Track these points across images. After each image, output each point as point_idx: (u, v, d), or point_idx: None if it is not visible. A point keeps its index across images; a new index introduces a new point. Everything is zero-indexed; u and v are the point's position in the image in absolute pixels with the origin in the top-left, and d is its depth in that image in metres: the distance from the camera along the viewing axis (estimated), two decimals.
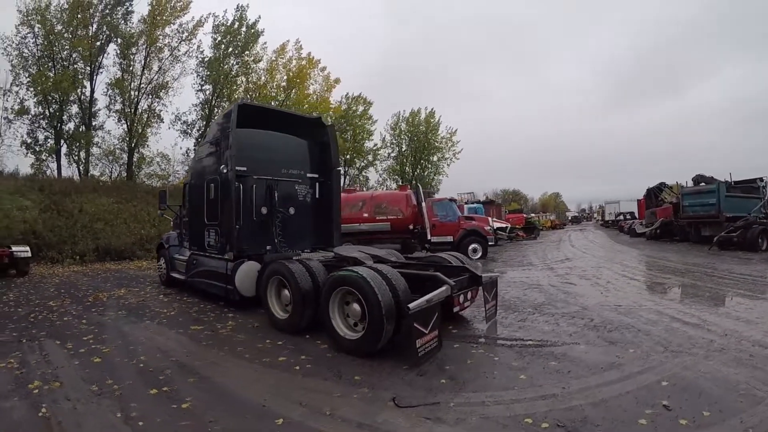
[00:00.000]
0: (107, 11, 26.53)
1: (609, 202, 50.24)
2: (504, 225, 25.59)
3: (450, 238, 15.18)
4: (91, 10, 25.79)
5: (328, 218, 8.34)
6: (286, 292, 5.58)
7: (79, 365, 4.44)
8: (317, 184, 8.42)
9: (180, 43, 29.68)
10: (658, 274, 9.82)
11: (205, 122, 32.48)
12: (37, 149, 26.09)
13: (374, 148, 45.26)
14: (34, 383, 3.94)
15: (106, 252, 16.43)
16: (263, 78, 34.25)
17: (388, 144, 46.86)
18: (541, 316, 5.88)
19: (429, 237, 15.03)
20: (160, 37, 28.54)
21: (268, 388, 3.66)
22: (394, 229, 15.31)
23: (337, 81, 37.21)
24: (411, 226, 15.28)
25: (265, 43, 33.99)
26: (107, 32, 26.61)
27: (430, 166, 47.66)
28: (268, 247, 7.43)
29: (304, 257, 6.28)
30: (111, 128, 29.72)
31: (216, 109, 32.91)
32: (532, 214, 52.93)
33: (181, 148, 38.94)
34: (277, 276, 5.77)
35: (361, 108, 43.88)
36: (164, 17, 28.18)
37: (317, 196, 8.42)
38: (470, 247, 15.08)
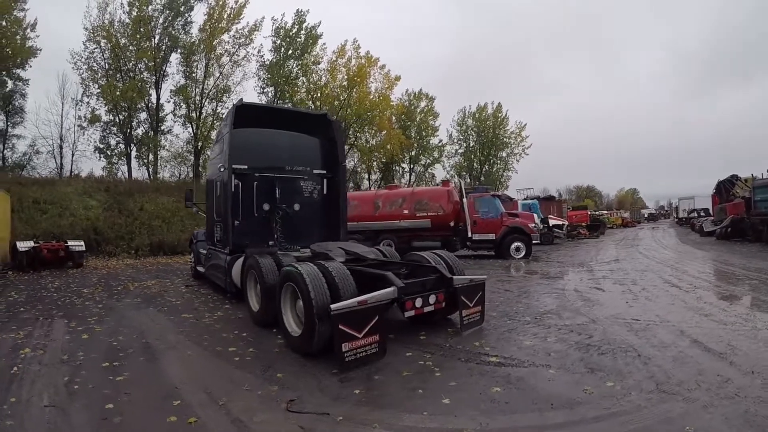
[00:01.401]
0: (168, 23, 29.88)
1: (683, 198, 46.02)
2: (561, 222, 24.71)
3: (492, 236, 15.07)
4: (153, 23, 29.24)
5: (335, 214, 8.65)
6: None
7: (68, 340, 5.34)
8: (325, 180, 8.75)
9: (238, 48, 32.52)
10: (708, 281, 8.76)
11: None
12: (109, 153, 29.86)
13: (439, 144, 46.12)
14: (25, 350, 4.88)
15: (159, 247, 18.42)
16: (324, 79, 36.49)
17: (455, 140, 47.65)
18: (535, 327, 5.47)
19: (470, 234, 15.10)
20: (219, 44, 31.42)
21: (195, 374, 4.11)
22: (434, 226, 15.52)
23: (397, 78, 38.39)
24: (452, 223, 15.41)
25: (325, 44, 36.28)
26: (168, 43, 29.95)
27: (498, 161, 48.08)
28: (270, 243, 7.96)
29: (281, 253, 6.63)
30: (178, 132, 33.03)
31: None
32: (603, 212, 51.69)
33: None
34: (252, 270, 6.29)
35: (423, 104, 44.82)
36: (220, 25, 30.96)
37: (325, 192, 8.76)
38: (513, 246, 14.83)
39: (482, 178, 46.17)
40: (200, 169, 33.11)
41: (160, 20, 29.46)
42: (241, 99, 9.18)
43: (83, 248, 13.45)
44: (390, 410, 3.21)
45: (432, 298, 4.91)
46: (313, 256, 6.30)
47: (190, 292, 8.98)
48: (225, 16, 30.87)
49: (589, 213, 39.11)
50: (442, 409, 3.22)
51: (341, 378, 3.86)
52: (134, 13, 28.11)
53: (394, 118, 41.06)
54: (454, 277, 5.24)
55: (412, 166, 45.36)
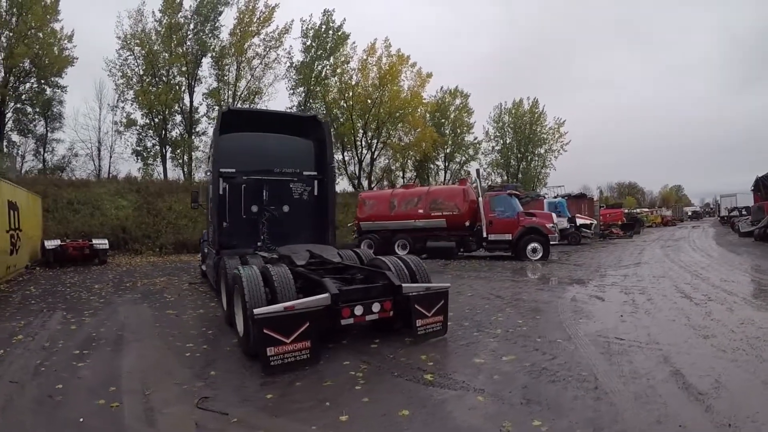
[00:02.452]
0: (198, 29, 31.97)
1: (725, 195, 43.18)
2: (589, 222, 24.22)
3: (508, 236, 15.12)
4: (184, 29, 31.37)
5: (324, 215, 8.99)
6: None
7: (58, 329, 6.21)
8: (316, 181, 9.10)
9: (268, 50, 34.42)
10: (728, 292, 7.96)
11: None
12: (145, 155, 32.13)
13: (475, 141, 46.77)
14: (18, 336, 5.78)
15: (183, 245, 19.83)
16: (355, 77, 37.88)
17: (492, 137, 48.08)
18: (500, 342, 5.26)
19: (485, 235, 15.27)
20: (249, 47, 33.33)
21: (142, 365, 4.67)
22: (449, 226, 15.84)
23: (429, 75, 39.34)
24: (467, 223, 15.66)
25: (355, 42, 37.62)
26: (197, 48, 32.03)
27: (536, 158, 48.15)
28: (258, 244, 8.56)
29: (249, 255, 6.95)
30: (210, 134, 35.00)
31: (309, 111, 36.91)
32: (643, 210, 50.08)
33: None
34: (221, 270, 6.94)
35: (458, 101, 45.58)
36: (250, 29, 32.82)
37: (316, 193, 9.10)
38: (529, 247, 14.79)
39: (519, 176, 46.46)
40: None
41: (191, 26, 31.64)
42: (228, 105, 9.81)
43: (107, 246, 14.85)
44: (284, 419, 3.39)
45: (376, 306, 4.86)
46: (278, 258, 6.76)
47: (189, 290, 9.82)
48: (255, 20, 32.78)
49: (625, 211, 38.36)
50: (333, 426, 3.23)
51: (264, 381, 4.10)
52: (165, 21, 30.40)
53: (428, 115, 41.93)
54: (405, 284, 5.17)
55: (447, 163, 46.26)
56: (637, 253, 17.02)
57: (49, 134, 30.90)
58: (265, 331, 4.15)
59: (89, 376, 4.39)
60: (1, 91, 26.95)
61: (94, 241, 14.55)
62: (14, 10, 26.62)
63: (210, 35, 32.30)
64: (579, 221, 23.25)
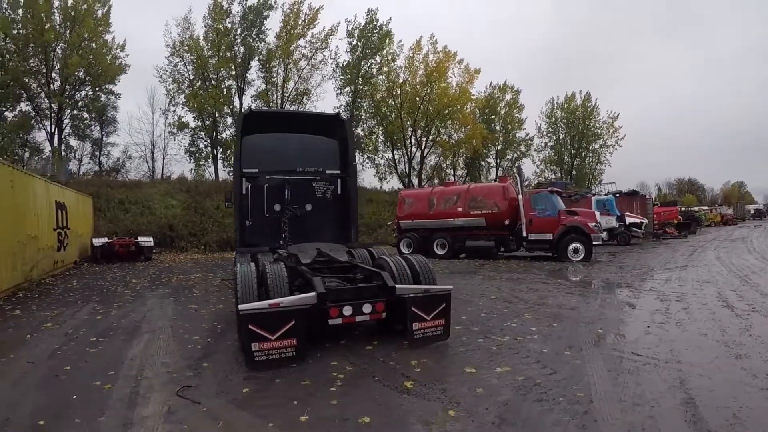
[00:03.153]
0: (246, 33, 33.70)
1: None
2: (639, 220, 23.29)
3: (549, 236, 14.72)
4: (232, 35, 33.20)
5: (346, 214, 9.12)
6: None
7: (85, 319, 6.82)
8: (339, 180, 9.24)
9: (314, 52, 35.71)
10: None
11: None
12: (197, 156, 34.11)
13: (526, 137, 46.57)
14: (48, 324, 6.45)
15: (227, 243, 20.86)
16: (402, 75, 38.59)
17: (545, 133, 47.59)
18: (503, 350, 5.02)
19: (525, 234, 14.98)
20: (295, 49, 34.75)
21: (146, 354, 5.05)
22: (489, 225, 15.69)
23: (477, 71, 39.47)
24: (507, 222, 15.43)
25: (401, 40, 38.36)
26: (245, 52, 33.82)
27: (590, 154, 47.16)
28: (281, 242, 8.89)
29: (261, 252, 7.18)
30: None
31: (357, 111, 38.03)
32: (702, 208, 47.49)
33: None
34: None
35: (508, 96, 45.48)
36: (296, 31, 34.23)
37: (339, 192, 9.22)
38: (570, 247, 14.31)
39: (573, 173, 45.96)
40: None
41: (238, 31, 33.48)
42: (250, 107, 10.13)
43: (152, 244, 15.95)
44: (248, 412, 3.52)
45: (367, 308, 4.84)
46: (287, 256, 6.97)
47: (218, 287, 10.35)
48: (300, 23, 34.15)
49: (681, 209, 36.68)
50: (289, 425, 3.29)
51: (248, 376, 4.26)
52: (212, 26, 32.41)
53: (477, 112, 42.08)
54: (400, 286, 5.11)
55: (498, 161, 46.13)
56: (687, 255, 16.23)
57: (104, 138, 34.02)
58: (250, 326, 4.30)
59: (96, 361, 4.83)
60: (58, 99, 29.92)
61: (140, 239, 15.69)
62: (68, 23, 29.66)
63: (256, 39, 34.01)
64: (629, 220, 22.45)
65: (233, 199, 9.39)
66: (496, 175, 44.50)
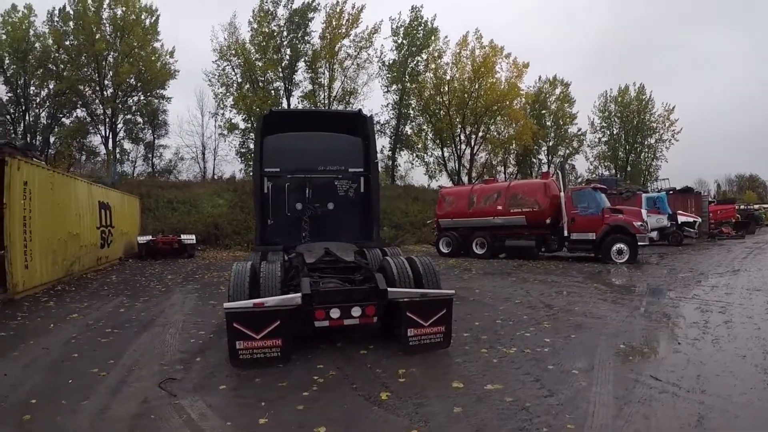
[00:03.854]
0: (292, 35, 34.82)
1: None
2: (692, 219, 21.80)
3: (592, 235, 14.05)
4: (278, 37, 34.41)
5: (368, 212, 9.13)
6: None
7: (109, 312, 7.36)
8: (362, 178, 9.22)
9: (359, 51, 36.27)
10: None
11: (396, 120, 38.30)
12: (247, 156, 35.55)
13: (578, 133, 45.52)
14: (74, 315, 7.03)
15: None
16: (449, 72, 38.56)
17: (598, 128, 46.27)
18: (504, 364, 4.68)
19: (566, 233, 14.43)
20: (340, 49, 35.43)
21: (150, 346, 5.38)
22: (530, 224, 15.24)
23: (525, 65, 38.94)
24: (548, 220, 14.89)
25: (447, 36, 38.17)
26: (291, 53, 34.97)
27: (646, 149, 45.91)
28: (308, 240, 9.06)
29: (271, 251, 7.40)
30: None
31: (405, 109, 38.45)
32: (763, 205, 44.15)
33: None
34: None
35: (558, 90, 44.72)
36: (339, 31, 34.89)
37: (362, 190, 9.20)
38: (614, 248, 13.60)
39: (628, 169, 44.79)
40: None
41: (285, 33, 34.62)
42: (270, 108, 10.32)
43: (194, 241, 16.86)
44: (213, 409, 3.65)
45: (356, 311, 4.74)
46: (295, 255, 6.94)
47: None
48: (343, 23, 34.82)
49: (739, 207, 34.23)
50: (247, 425, 3.36)
51: (230, 373, 4.39)
52: (257, 30, 33.77)
53: (528, 107, 41.68)
54: (393, 289, 4.95)
55: (550, 157, 45.42)
56: (741, 258, 15.01)
57: (156, 141, 36.41)
58: (234, 325, 4.38)
59: (102, 350, 5.20)
60: (111, 105, 32.43)
61: (183, 237, 16.64)
62: (117, 33, 32.11)
63: (302, 41, 35.03)
64: (681, 219, 21.07)
65: (253, 199, 9.73)
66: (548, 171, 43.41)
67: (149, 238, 16.07)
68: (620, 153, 45.90)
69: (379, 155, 33.61)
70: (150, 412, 3.60)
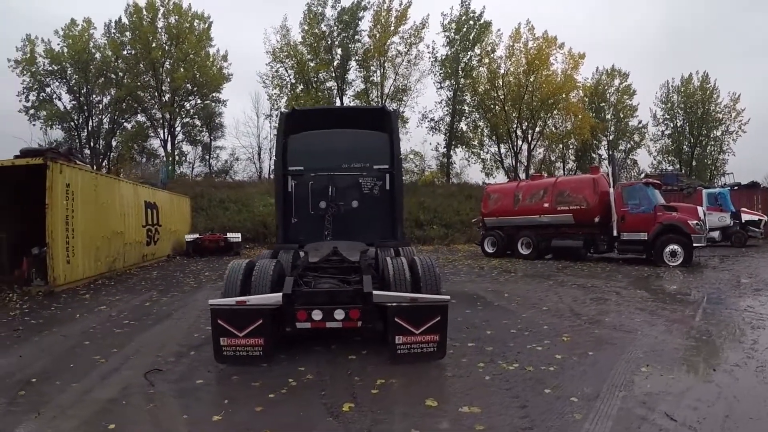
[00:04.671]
0: (343, 35, 35.54)
1: None
2: (758, 218, 19.48)
3: (643, 235, 13.07)
4: (328, 38, 35.32)
5: (392, 210, 9.07)
6: None
7: (135, 305, 7.91)
8: (387, 175, 9.14)
9: (409, 47, 36.34)
10: None
11: (451, 117, 38.26)
12: None
13: (639, 126, 43.55)
14: (102, 307, 7.65)
15: None
16: (503, 66, 37.80)
17: (661, 120, 43.97)
18: (493, 383, 4.29)
19: (615, 233, 13.61)
20: (390, 46, 35.67)
21: (155, 339, 5.74)
22: (577, 222, 14.48)
23: (581, 56, 37.36)
24: (597, 219, 14.04)
25: (500, 30, 37.44)
26: (341, 53, 35.72)
27: (712, 142, 42.75)
28: (329, 238, 9.19)
29: (283, 250, 7.42)
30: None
31: (459, 106, 38.26)
32: None
33: (430, 144, 47.02)
34: None
35: (617, 81, 43.08)
36: (388, 28, 35.12)
37: (388, 187, 9.12)
38: (667, 249, 12.55)
39: (694, 163, 41.88)
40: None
41: (335, 33, 35.46)
42: (293, 106, 10.38)
43: (239, 239, 17.65)
44: (179, 401, 3.86)
45: (339, 314, 4.63)
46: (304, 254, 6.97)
47: None
48: (392, 20, 35.02)
49: None
50: (202, 421, 3.48)
51: (212, 368, 4.57)
52: (308, 32, 34.78)
53: (587, 99, 40.35)
54: (378, 292, 4.77)
55: (610, 152, 43.21)
56: None
57: (212, 142, 38.53)
58: (218, 321, 4.49)
59: (112, 340, 5.64)
60: (168, 109, 34.82)
61: (228, 235, 17.50)
62: (172, 41, 34.38)
63: (352, 40, 35.66)
64: (745, 217, 18.94)
65: (275, 198, 9.96)
66: (609, 168, 41.37)
67: (196, 236, 17.04)
68: (685, 146, 43.32)
69: (434, 152, 33.43)
70: (124, 398, 3.86)
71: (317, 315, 4.61)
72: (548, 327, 6.26)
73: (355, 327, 4.80)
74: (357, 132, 9.25)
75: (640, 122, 43.23)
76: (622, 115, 42.53)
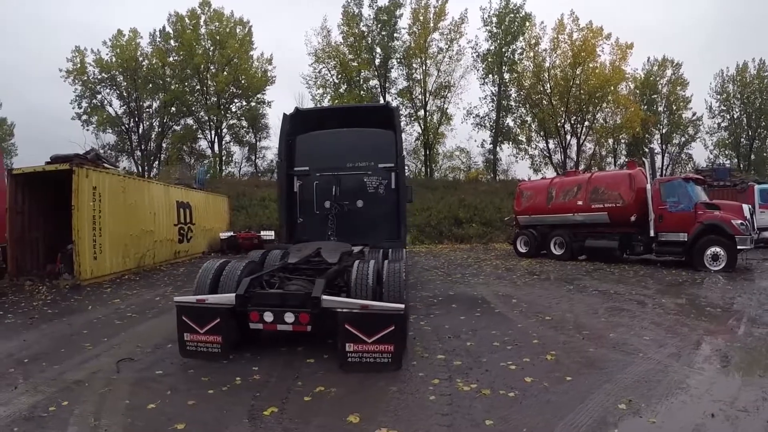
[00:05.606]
0: (383, 33, 36.04)
1: None
2: None
3: (683, 236, 12.06)
4: (368, 37, 36.02)
5: (396, 209, 9.04)
6: None
7: (146, 299, 8.49)
8: (393, 174, 9.15)
9: (450, 43, 36.30)
10: None
11: (496, 113, 37.54)
12: None
13: (693, 118, 41.60)
14: (116, 300, 8.30)
15: None
16: (549, 60, 37.08)
17: (716, 112, 41.89)
18: (441, 393, 4.08)
19: (652, 233, 12.70)
20: (430, 43, 35.88)
21: (147, 330, 6.19)
22: (613, 221, 13.66)
23: (629, 46, 36.06)
24: (633, 217, 13.20)
25: (543, 22, 36.85)
26: (381, 52, 36.22)
27: None
28: (333, 238, 9.32)
29: (275, 248, 7.66)
30: (410, 131, 38.72)
31: (505, 101, 37.75)
32: None
33: (475, 141, 46.01)
34: None
35: (668, 72, 41.40)
36: (428, 25, 35.28)
37: (393, 186, 9.15)
38: (708, 252, 11.46)
39: (753, 157, 39.77)
40: (429, 163, 37.99)
41: (374, 32, 36.02)
42: (296, 107, 10.39)
43: (273, 237, 18.26)
44: (130, 389, 4.15)
45: (289, 317, 4.64)
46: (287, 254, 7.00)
47: None
48: (430, 16, 35.15)
49: None
50: (132, 409, 3.76)
51: (176, 361, 4.85)
52: (347, 32, 35.52)
53: (638, 91, 39.25)
54: (328, 297, 4.72)
55: (664, 146, 41.46)
56: None
57: (258, 143, 40.28)
58: (183, 317, 4.85)
59: (108, 330, 6.19)
60: (214, 112, 36.64)
61: (262, 233, 18.17)
62: (215, 46, 36.37)
63: (391, 38, 35.98)
64: None
65: (277, 198, 10.12)
66: (662, 163, 39.64)
67: (231, 233, 17.87)
68: (743, 139, 40.68)
69: (480, 149, 32.85)
70: (88, 381, 4.32)
71: (268, 317, 4.68)
72: (538, 341, 5.62)
73: (305, 331, 4.75)
74: (362, 131, 9.26)
75: (694, 114, 41.18)
76: (674, 108, 40.65)
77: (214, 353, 4.78)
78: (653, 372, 4.52)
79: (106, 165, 11.96)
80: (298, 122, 9.38)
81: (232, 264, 5.56)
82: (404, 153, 9.78)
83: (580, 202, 14.37)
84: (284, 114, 9.43)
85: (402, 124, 9.48)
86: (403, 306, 4.61)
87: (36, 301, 8.02)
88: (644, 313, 7.17)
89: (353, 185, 9.21)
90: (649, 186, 12.69)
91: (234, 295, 4.77)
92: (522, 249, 16.24)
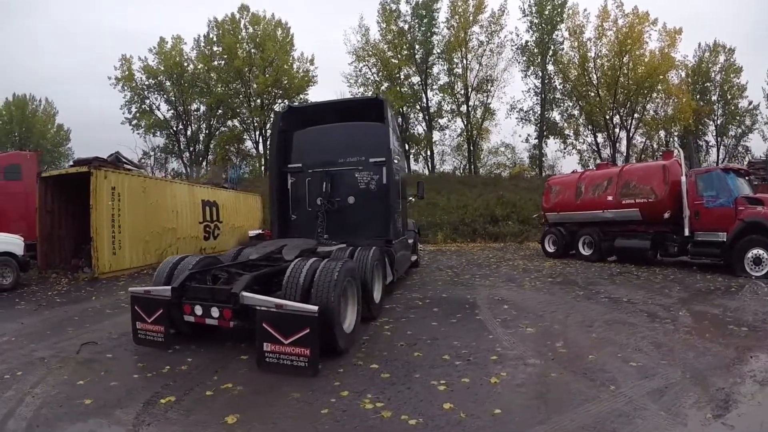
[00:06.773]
0: (423, 28, 35.91)
1: None
2: None
3: (721, 235, 10.73)
4: (408, 33, 36.04)
5: (386, 206, 8.80)
6: None
7: None
8: (384, 168, 8.93)
9: (491, 36, 35.71)
10: None
11: (541, 107, 36.33)
12: None
13: (750, 107, 38.12)
14: (121, 293, 8.81)
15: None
16: (594, 49, 35.54)
17: None
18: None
19: (686, 232, 11.44)
20: (471, 36, 35.42)
21: (120, 319, 6.59)
22: (645, 218, 12.48)
23: (678, 31, 33.85)
24: (667, 214, 11.96)
25: (587, 10, 35.44)
26: (421, 48, 36.08)
27: None
28: (325, 236, 8.94)
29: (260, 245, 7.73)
30: (454, 127, 38.72)
31: (549, 94, 36.67)
32: None
33: (520, 136, 44.80)
34: None
35: (721, 58, 38.33)
36: (468, 18, 34.88)
37: (384, 182, 8.90)
38: (749, 254, 10.06)
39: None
40: (473, 159, 37.57)
41: (415, 29, 35.94)
42: (288, 104, 10.27)
43: (259, 233, 18.62)
44: (75, 372, 4.54)
45: (215, 311, 4.81)
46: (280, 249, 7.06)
47: None
48: (470, 9, 34.68)
49: None
50: (75, 391, 4.08)
51: (130, 348, 5.27)
52: (386, 29, 35.79)
53: (690, 80, 36.69)
54: (247, 294, 4.71)
55: (719, 138, 38.42)
56: None
57: None
58: (135, 307, 5.25)
59: (96, 318, 6.87)
60: (257, 113, 37.91)
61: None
62: (258, 48, 37.64)
63: (430, 33, 35.69)
64: None
65: (269, 196, 10.13)
66: (717, 156, 36.98)
67: (259, 231, 18.55)
68: None
69: (525, 144, 31.85)
70: (50, 358, 4.92)
71: (198, 310, 4.92)
72: (497, 358, 4.93)
73: (228, 326, 4.88)
74: (354, 125, 9.18)
75: (750, 103, 37.48)
76: (729, 96, 37.38)
77: (159, 342, 5.09)
78: (615, 416, 3.47)
79: (127, 166, 12.96)
80: (290, 120, 9.38)
81: (189, 258, 5.87)
82: (395, 146, 9.51)
83: (609, 198, 13.23)
84: (274, 112, 9.79)
85: (391, 116, 9.34)
86: (316, 308, 4.40)
87: (51, 291, 8.88)
88: (648, 329, 6.04)
89: (345, 181, 9.04)
90: (684, 178, 11.50)
91: (169, 287, 5.09)
92: (550, 248, 15.26)
